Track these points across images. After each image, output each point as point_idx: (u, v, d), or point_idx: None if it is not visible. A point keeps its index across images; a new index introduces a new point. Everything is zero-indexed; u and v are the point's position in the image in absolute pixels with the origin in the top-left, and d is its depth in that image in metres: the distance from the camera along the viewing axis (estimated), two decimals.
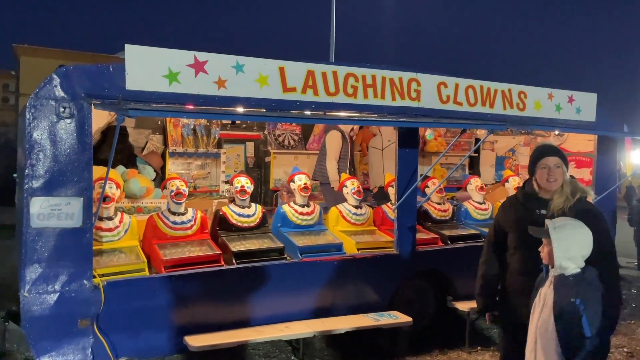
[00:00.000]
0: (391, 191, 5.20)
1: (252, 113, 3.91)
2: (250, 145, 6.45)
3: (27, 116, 3.35)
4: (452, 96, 4.76)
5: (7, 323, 4.25)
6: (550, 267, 2.46)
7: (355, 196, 5.11)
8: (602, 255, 2.55)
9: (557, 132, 6.30)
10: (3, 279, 6.71)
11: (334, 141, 5.89)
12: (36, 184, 3.35)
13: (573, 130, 5.65)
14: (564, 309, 2.31)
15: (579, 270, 2.38)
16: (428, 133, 6.83)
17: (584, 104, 5.61)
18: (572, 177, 2.96)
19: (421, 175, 5.02)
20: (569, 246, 2.37)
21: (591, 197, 2.92)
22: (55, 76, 3.40)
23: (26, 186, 3.34)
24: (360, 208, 5.21)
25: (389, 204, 5.31)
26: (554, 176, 2.85)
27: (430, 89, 4.67)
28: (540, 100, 5.28)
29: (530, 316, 2.53)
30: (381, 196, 6.15)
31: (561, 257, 2.37)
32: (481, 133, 6.71)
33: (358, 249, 4.74)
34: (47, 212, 3.34)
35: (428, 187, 5.58)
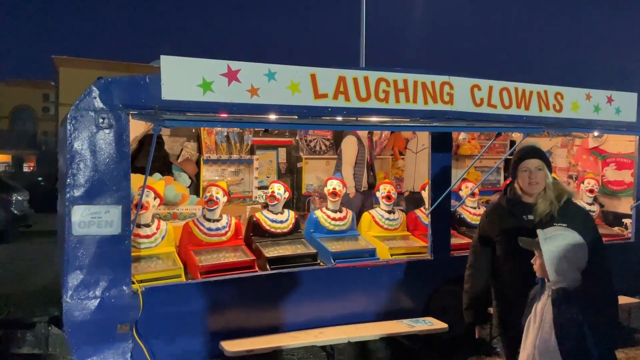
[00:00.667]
0: (424, 195, 5.15)
1: (284, 120, 3.93)
2: (282, 151, 6.50)
3: (68, 127, 3.46)
4: (485, 99, 4.69)
5: (50, 327, 4.37)
6: (546, 279, 2.32)
7: (385, 201, 5.08)
8: (597, 262, 2.43)
9: (596, 134, 6.12)
10: (46, 284, 6.94)
11: (349, 147, 5.87)
12: (77, 192, 3.45)
13: (613, 131, 5.48)
14: (565, 326, 2.18)
15: (577, 283, 2.24)
16: (462, 136, 6.73)
17: (623, 104, 5.43)
18: (554, 179, 2.87)
19: (457, 179, 4.95)
20: (562, 259, 2.22)
21: (577, 199, 2.84)
22: (94, 88, 3.51)
23: (68, 195, 3.45)
24: (393, 213, 5.18)
25: (422, 208, 5.26)
26: (535, 179, 2.76)
27: (463, 92, 4.61)
28: (577, 101, 5.15)
29: (524, 333, 2.38)
30: (412, 200, 6.10)
31: (554, 271, 2.23)
32: (517, 135, 6.57)
33: (391, 255, 4.71)
34: (88, 220, 3.44)
35: (462, 190, 5.51)
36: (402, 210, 5.48)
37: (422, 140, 5.91)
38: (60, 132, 4.37)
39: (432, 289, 4.70)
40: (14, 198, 12.00)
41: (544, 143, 7.13)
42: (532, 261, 2.38)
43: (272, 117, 3.90)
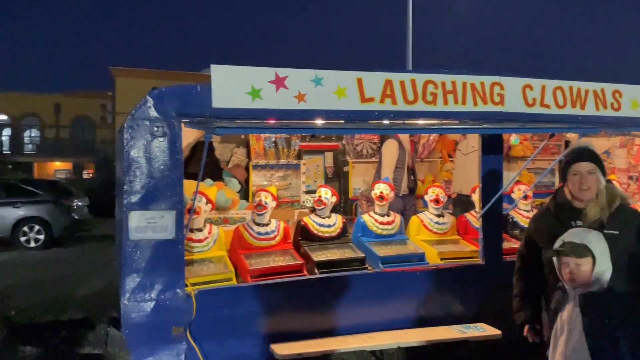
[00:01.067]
0: (474, 198, 5.05)
1: (331, 126, 3.95)
2: (329, 156, 6.53)
3: (125, 136, 3.60)
4: (538, 99, 4.54)
5: (109, 329, 4.58)
6: (569, 288, 2.22)
7: (433, 204, 5.02)
8: None
9: None
10: (105, 286, 7.24)
11: (389, 151, 5.81)
12: (134, 199, 3.59)
13: None
14: (596, 333, 2.08)
15: (605, 286, 2.15)
16: (513, 138, 6.55)
17: None
18: (608, 181, 2.68)
19: (509, 181, 4.82)
20: (605, 260, 2.15)
21: (634, 203, 2.67)
22: (149, 98, 3.64)
23: (125, 201, 3.59)
24: (442, 216, 5.10)
25: (472, 211, 5.15)
26: (587, 184, 2.56)
27: (514, 92, 4.47)
28: (638, 99, 4.90)
29: (552, 345, 2.26)
30: (460, 203, 5.98)
31: (600, 273, 2.14)
32: (572, 135, 6.33)
33: (441, 259, 4.63)
34: (144, 225, 3.56)
35: (514, 192, 5.36)
36: (451, 214, 5.38)
37: (472, 142, 5.79)
38: (117, 141, 4.56)
39: (484, 294, 4.59)
40: (74, 203, 12.62)
41: (601, 143, 6.83)
42: (560, 269, 2.27)
43: (319, 122, 3.93)
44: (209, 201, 4.42)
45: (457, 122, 4.36)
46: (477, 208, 4.83)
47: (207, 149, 3.65)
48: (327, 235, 4.69)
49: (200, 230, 4.31)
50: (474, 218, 5.02)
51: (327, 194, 4.77)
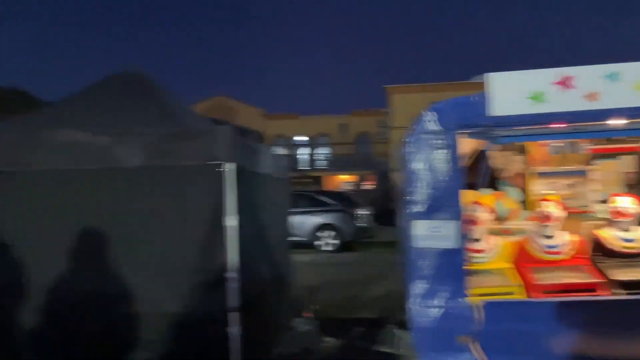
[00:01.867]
0: None
1: (634, 125, 3.46)
2: (628, 159, 5.66)
3: (407, 149, 3.86)
4: None
5: (397, 330, 4.91)
6: None
7: None
8: None
9: None
10: (390, 290, 7.79)
11: None
12: (417, 208, 3.79)
13: None
14: None
15: None
16: None
17: None
18: None
19: None
20: None
21: None
22: (428, 113, 3.82)
23: (408, 210, 3.83)
24: None
25: None
26: None
27: None
28: None
29: None
30: None
31: None
32: None
33: None
34: (428, 233, 3.73)
35: None
36: None
37: None
38: (399, 154, 4.90)
39: None
40: (359, 212, 14.02)
41: None
42: None
43: (617, 122, 3.48)
44: (488, 211, 4.35)
45: None
46: None
47: (483, 157, 3.61)
48: (630, 251, 4.07)
49: (478, 240, 4.27)
50: None
51: (627, 204, 4.16)
